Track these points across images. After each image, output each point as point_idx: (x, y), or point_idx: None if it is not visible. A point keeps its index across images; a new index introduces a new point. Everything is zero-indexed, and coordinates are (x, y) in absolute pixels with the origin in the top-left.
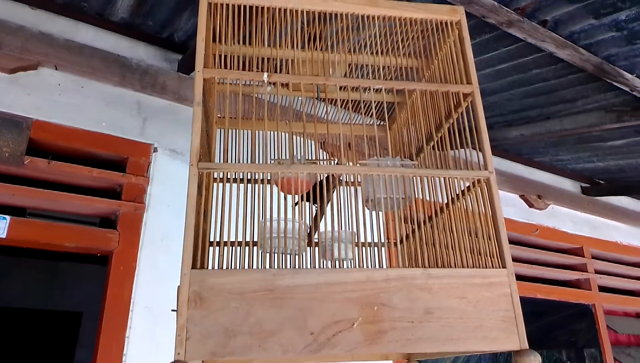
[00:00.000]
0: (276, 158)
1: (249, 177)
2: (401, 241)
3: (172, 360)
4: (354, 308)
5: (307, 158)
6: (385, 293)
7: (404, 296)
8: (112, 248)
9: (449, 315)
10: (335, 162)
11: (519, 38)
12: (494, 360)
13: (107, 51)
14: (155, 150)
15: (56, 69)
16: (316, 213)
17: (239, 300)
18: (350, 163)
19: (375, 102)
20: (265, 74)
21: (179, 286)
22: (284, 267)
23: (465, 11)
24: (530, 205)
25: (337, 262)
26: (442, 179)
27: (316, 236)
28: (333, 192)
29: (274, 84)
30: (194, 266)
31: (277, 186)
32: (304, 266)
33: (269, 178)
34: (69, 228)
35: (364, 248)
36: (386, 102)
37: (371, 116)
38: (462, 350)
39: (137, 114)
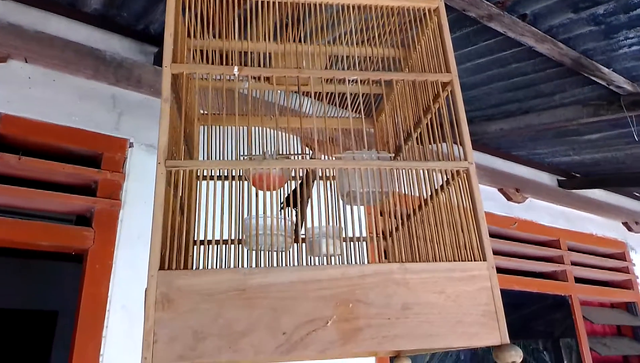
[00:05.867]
0: (252, 153)
1: (225, 174)
2: (378, 236)
3: None
4: (328, 306)
5: (284, 153)
6: (361, 290)
7: (380, 292)
8: (87, 246)
9: (427, 310)
10: (310, 156)
11: (499, 32)
12: (472, 353)
13: (79, 43)
14: (131, 145)
15: (26, 61)
16: (298, 207)
17: (208, 301)
18: (326, 157)
19: (352, 94)
20: (236, 68)
21: (146, 289)
22: (262, 266)
23: (446, 4)
24: (509, 198)
25: (321, 258)
26: (421, 171)
27: (292, 232)
28: (313, 186)
29: (245, 77)
30: (161, 267)
31: (249, 182)
32: (277, 264)
33: (246, 174)
34: (42, 226)
35: (343, 243)
36: (365, 94)
37: (348, 108)
38: (441, 346)
39: (112, 108)
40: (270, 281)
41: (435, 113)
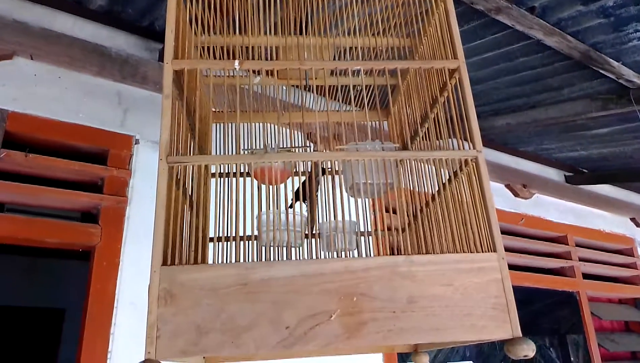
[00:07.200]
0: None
1: (226, 170)
2: (383, 229)
3: (143, 359)
4: (331, 300)
5: (286, 146)
6: (365, 283)
7: (385, 286)
8: (94, 243)
9: (433, 303)
10: (312, 149)
11: (507, 25)
12: (478, 350)
13: (85, 40)
14: (137, 142)
15: (32, 58)
16: (309, 204)
17: (211, 296)
18: (328, 150)
19: (358, 87)
20: (236, 62)
21: (149, 284)
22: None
23: None
24: (516, 194)
25: (337, 253)
26: (427, 162)
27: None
28: (317, 184)
29: (254, 73)
30: (164, 263)
31: (253, 176)
32: (279, 259)
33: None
34: (49, 223)
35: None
36: (371, 86)
37: (352, 102)
38: (449, 340)
39: (117, 105)
40: (273, 275)
41: (444, 103)
